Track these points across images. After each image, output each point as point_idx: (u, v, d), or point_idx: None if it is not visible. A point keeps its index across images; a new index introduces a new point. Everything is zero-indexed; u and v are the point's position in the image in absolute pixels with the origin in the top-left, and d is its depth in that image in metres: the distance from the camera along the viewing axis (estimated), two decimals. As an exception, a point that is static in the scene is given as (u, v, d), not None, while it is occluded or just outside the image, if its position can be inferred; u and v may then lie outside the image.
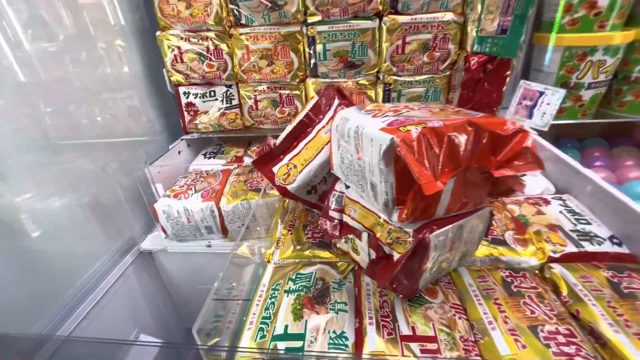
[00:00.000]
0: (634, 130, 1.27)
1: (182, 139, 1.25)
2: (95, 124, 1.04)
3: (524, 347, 0.47)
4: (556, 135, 1.32)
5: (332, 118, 0.69)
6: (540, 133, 1.06)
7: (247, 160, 1.23)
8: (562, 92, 1.02)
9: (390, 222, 0.53)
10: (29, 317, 0.79)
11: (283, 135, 0.72)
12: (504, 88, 1.06)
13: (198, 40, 1.08)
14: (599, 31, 0.98)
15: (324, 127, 0.69)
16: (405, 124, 0.45)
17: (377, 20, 1.01)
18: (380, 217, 0.55)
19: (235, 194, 0.96)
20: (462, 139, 0.46)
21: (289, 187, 0.68)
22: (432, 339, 0.49)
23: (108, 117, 1.10)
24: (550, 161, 0.98)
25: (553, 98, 1.03)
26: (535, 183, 0.94)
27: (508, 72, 1.02)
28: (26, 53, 0.84)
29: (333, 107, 0.69)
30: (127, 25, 1.13)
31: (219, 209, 0.96)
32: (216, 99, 1.18)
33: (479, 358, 0.47)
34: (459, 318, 0.52)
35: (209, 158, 1.26)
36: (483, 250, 0.65)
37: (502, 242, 0.67)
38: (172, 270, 1.13)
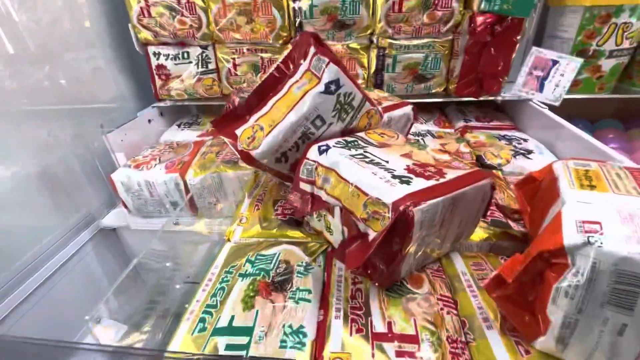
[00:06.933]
0: (653, 111, 1.15)
1: (154, 107, 1.13)
2: (53, 88, 0.92)
3: (527, 352, 0.37)
4: (565, 115, 1.20)
5: (307, 70, 0.57)
6: (551, 108, 0.95)
7: (225, 132, 1.12)
8: (579, 61, 0.89)
9: (368, 194, 0.42)
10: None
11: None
12: (513, 55, 0.94)
13: (167, -9, 0.94)
14: (626, -11, 0.85)
15: (297, 81, 0.57)
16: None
17: (372, -29, 0.88)
18: (351, 184, 0.45)
19: (204, 165, 0.85)
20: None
21: (253, 153, 0.57)
22: (412, 339, 0.39)
23: (68, 80, 0.98)
24: (562, 139, 0.87)
25: (568, 68, 0.91)
26: (543, 163, 0.83)
27: (518, 37, 0.90)
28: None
29: (308, 57, 0.57)
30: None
31: (184, 181, 0.85)
32: (190, 62, 1.06)
33: (469, 365, 0.37)
34: (448, 313, 0.42)
35: (183, 129, 1.14)
36: (480, 233, 0.55)
37: (504, 225, 0.57)
38: (138, 249, 1.03)
